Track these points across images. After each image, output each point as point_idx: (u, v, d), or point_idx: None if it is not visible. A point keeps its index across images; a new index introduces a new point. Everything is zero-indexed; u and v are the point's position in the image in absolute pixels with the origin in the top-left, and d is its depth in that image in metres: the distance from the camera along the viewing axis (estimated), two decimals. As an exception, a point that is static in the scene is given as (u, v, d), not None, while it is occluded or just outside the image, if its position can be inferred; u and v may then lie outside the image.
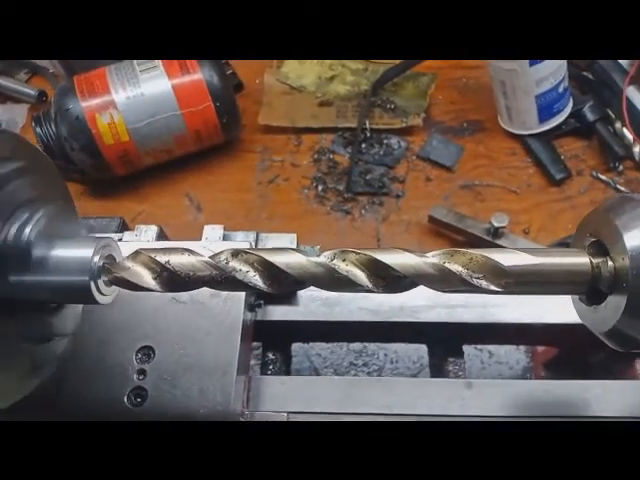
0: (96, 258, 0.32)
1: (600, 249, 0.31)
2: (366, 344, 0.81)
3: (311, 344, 0.77)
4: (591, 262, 0.30)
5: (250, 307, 0.49)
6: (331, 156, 1.03)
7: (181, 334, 0.45)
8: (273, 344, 0.59)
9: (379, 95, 1.08)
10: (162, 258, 0.32)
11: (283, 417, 0.45)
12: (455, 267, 0.31)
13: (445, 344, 0.57)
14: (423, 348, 0.77)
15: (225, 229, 0.53)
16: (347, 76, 1.13)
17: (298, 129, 1.06)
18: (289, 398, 0.48)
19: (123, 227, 0.60)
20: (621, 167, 0.94)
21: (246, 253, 0.32)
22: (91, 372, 0.43)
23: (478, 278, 0.31)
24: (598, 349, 0.58)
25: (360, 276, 0.32)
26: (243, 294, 0.47)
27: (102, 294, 0.32)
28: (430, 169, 0.99)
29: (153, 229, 0.53)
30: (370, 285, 0.31)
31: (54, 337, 0.36)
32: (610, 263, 0.29)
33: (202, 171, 1.03)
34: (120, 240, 0.54)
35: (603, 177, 0.93)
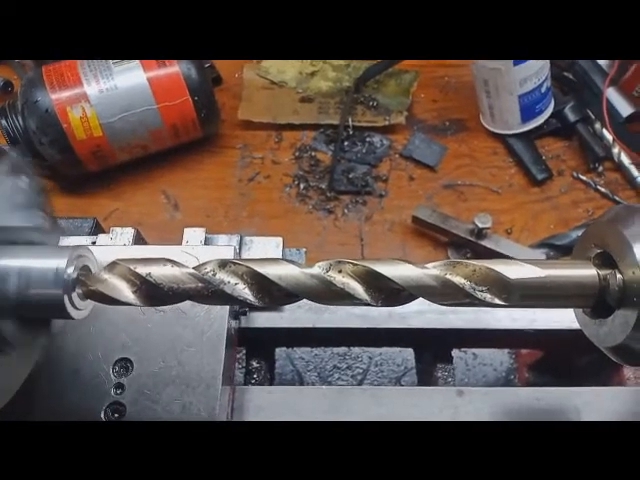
0: (70, 269, 0.29)
1: (607, 261, 0.30)
2: (350, 347, 0.80)
3: (294, 347, 0.75)
4: (598, 274, 0.29)
5: (234, 315, 0.47)
6: (313, 153, 1.01)
7: (161, 345, 0.42)
8: (257, 351, 0.56)
9: (361, 92, 1.06)
10: (142, 270, 0.29)
11: (270, 431, 0.42)
12: (458, 279, 0.29)
13: (434, 349, 0.55)
14: (408, 351, 0.77)
15: (206, 232, 0.51)
16: (329, 72, 1.11)
17: (279, 125, 1.03)
18: (275, 409, 0.46)
19: (96, 229, 0.57)
20: (601, 168, 0.95)
21: (234, 264, 0.30)
22: (65, 387, 0.40)
23: (482, 291, 0.29)
24: (584, 353, 0.58)
25: (357, 289, 0.30)
26: (227, 302, 0.44)
27: (76, 308, 0.30)
28: (413, 168, 0.98)
29: (129, 232, 0.50)
30: (368, 298, 0.30)
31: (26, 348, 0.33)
32: (619, 276, 0.28)
33: (179, 167, 1.00)
34: (93, 243, 0.50)
35: (583, 177, 0.94)
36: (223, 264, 0.30)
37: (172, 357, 0.42)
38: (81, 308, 0.30)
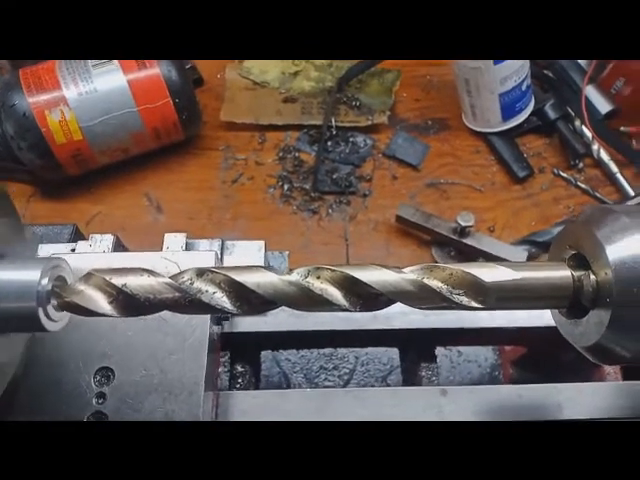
0: (44, 281, 0.29)
1: (581, 262, 0.30)
2: (336, 348, 0.80)
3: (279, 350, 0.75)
4: (572, 275, 0.29)
5: (217, 320, 0.46)
6: (296, 154, 1.01)
7: (142, 353, 0.42)
8: (242, 355, 0.56)
9: (344, 92, 1.06)
10: (118, 280, 0.29)
11: (254, 436, 0.42)
12: (435, 283, 0.30)
13: (418, 348, 0.56)
14: (393, 350, 0.77)
15: (188, 237, 0.50)
16: (311, 72, 1.10)
17: (262, 126, 1.03)
18: (260, 414, 0.46)
19: (76, 235, 0.56)
20: (581, 164, 0.96)
21: (212, 272, 0.30)
22: (45, 397, 0.40)
23: (459, 294, 0.29)
24: (566, 350, 0.59)
25: (336, 295, 0.30)
26: (209, 308, 0.44)
27: (52, 320, 0.29)
28: (396, 167, 0.98)
29: (109, 238, 0.49)
30: (346, 304, 0.30)
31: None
32: (592, 277, 0.29)
33: (162, 170, 0.99)
34: (73, 251, 0.50)
35: (564, 174, 0.95)
36: (201, 272, 0.30)
37: (154, 365, 0.42)
38: (57, 320, 0.30)
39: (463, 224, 0.80)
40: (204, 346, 0.43)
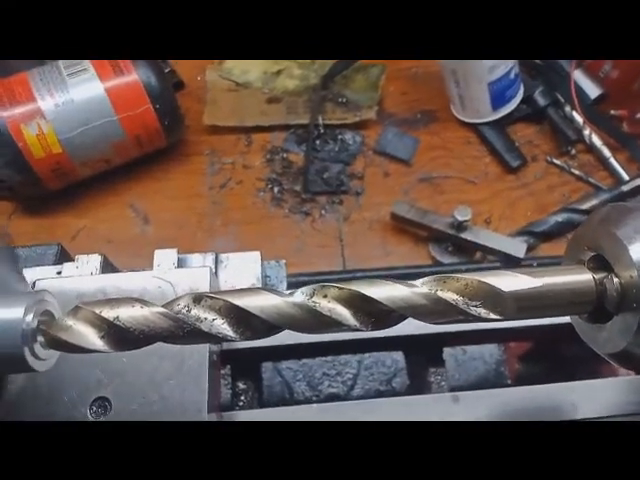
0: (29, 317, 0.26)
1: (601, 264, 0.28)
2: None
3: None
4: (594, 279, 0.28)
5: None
6: (285, 155, 0.98)
7: (139, 379, 0.40)
8: (242, 369, 0.54)
9: (330, 89, 1.04)
10: (109, 314, 0.27)
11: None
12: (449, 295, 0.28)
13: (425, 352, 0.54)
14: (398, 352, 0.75)
15: (179, 252, 0.48)
16: (294, 70, 1.08)
17: (247, 128, 1.00)
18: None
19: (62, 256, 0.53)
20: (574, 151, 0.95)
21: (210, 298, 0.28)
22: (37, 435, 0.37)
23: (476, 306, 0.28)
24: (573, 344, 0.58)
25: (345, 314, 0.28)
26: (206, 327, 0.42)
27: (39, 359, 0.27)
28: (387, 163, 0.96)
29: (96, 259, 0.47)
30: (357, 324, 0.28)
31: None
32: (616, 280, 0.27)
33: (146, 179, 0.96)
34: (59, 274, 0.47)
35: (557, 162, 0.94)
36: (198, 299, 0.28)
37: (152, 391, 0.39)
38: (45, 358, 0.27)
39: (460, 219, 0.78)
40: (204, 368, 0.40)
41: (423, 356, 0.56)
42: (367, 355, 0.75)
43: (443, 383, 0.53)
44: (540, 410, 0.46)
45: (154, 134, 0.90)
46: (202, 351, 0.41)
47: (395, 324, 0.28)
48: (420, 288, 0.28)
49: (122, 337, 0.27)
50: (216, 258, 0.48)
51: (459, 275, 0.28)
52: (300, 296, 0.28)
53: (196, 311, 0.28)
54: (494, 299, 0.27)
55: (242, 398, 0.52)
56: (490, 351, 0.80)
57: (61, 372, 0.40)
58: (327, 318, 0.27)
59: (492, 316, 0.28)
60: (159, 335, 0.27)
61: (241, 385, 0.51)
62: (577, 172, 0.92)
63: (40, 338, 0.27)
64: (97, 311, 0.27)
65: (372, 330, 0.28)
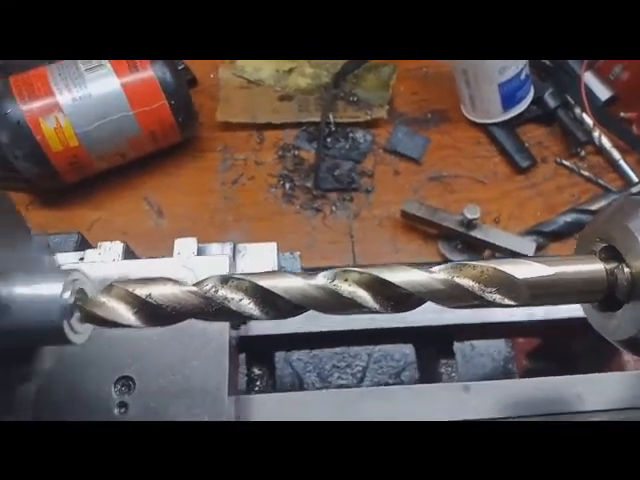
0: (66, 294, 0.28)
1: (612, 255, 0.29)
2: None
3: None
4: (605, 269, 0.29)
5: (234, 325, 0.46)
6: (296, 152, 1.00)
7: (162, 360, 0.41)
8: (257, 357, 0.55)
9: (341, 87, 1.05)
10: (142, 291, 0.28)
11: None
12: (465, 281, 0.29)
13: (436, 344, 0.55)
14: (406, 346, 0.76)
15: (198, 241, 0.49)
16: (306, 68, 1.09)
17: (259, 125, 1.02)
18: (283, 415, 0.45)
19: (82, 243, 0.55)
20: (583, 152, 0.95)
21: (237, 279, 0.29)
22: (66, 409, 0.39)
23: (491, 292, 0.29)
24: (582, 339, 0.59)
25: (365, 297, 0.29)
26: (226, 313, 0.43)
27: (76, 332, 0.29)
28: (398, 162, 0.98)
29: (118, 246, 0.48)
30: (377, 306, 0.29)
31: (31, 378, 0.32)
32: (626, 269, 0.28)
33: (160, 173, 0.98)
34: (81, 260, 0.49)
35: (567, 163, 0.95)
36: (225, 280, 0.29)
37: (175, 371, 0.41)
38: (81, 332, 0.29)
39: (469, 217, 0.79)
40: (225, 351, 0.42)
41: (434, 348, 0.57)
42: (377, 349, 0.76)
43: (454, 374, 0.54)
44: (548, 402, 0.47)
45: (169, 130, 0.91)
46: (223, 334, 0.42)
47: (413, 308, 0.30)
48: (438, 274, 0.29)
49: (154, 313, 0.28)
50: (234, 248, 0.50)
51: (474, 262, 0.29)
52: (322, 279, 0.29)
53: (223, 291, 0.29)
54: (509, 286, 0.29)
55: (257, 383, 0.53)
56: (498, 348, 0.81)
57: (87, 353, 0.41)
58: (348, 300, 0.29)
59: (507, 302, 0.29)
60: (189, 312, 0.28)
61: (257, 371, 0.53)
62: (586, 173, 0.93)
63: (77, 313, 0.29)
64: (130, 289, 0.28)
65: (391, 312, 0.29)
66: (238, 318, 0.29)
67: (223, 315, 0.29)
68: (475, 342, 0.74)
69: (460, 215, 0.82)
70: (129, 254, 0.50)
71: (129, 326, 0.28)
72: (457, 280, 0.29)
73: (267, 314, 0.29)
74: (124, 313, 0.28)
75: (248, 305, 0.29)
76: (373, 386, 0.61)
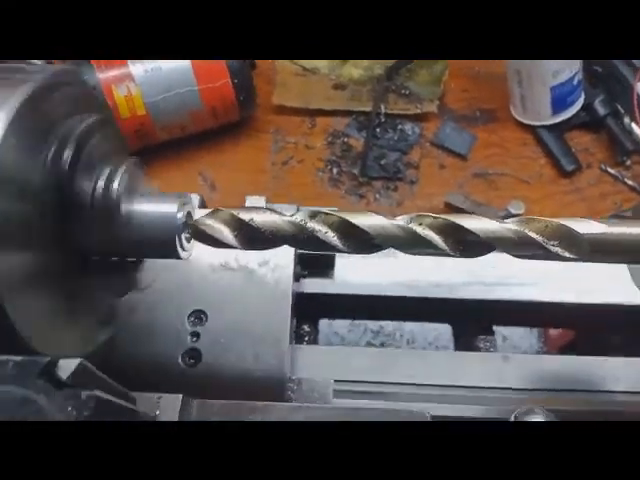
0: (180, 214, 0.32)
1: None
2: (383, 325, 0.82)
3: (330, 322, 0.77)
4: (662, 232, 0.31)
5: (296, 277, 0.50)
6: (345, 139, 1.03)
7: (232, 301, 0.45)
8: (305, 316, 0.59)
9: (393, 80, 1.08)
10: (245, 215, 0.32)
11: (330, 384, 0.45)
12: (532, 233, 0.32)
13: (475, 323, 0.58)
14: (440, 329, 0.79)
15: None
16: (360, 60, 1.13)
17: (312, 111, 1.06)
18: (330, 367, 0.49)
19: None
20: (629, 161, 0.97)
21: (324, 214, 0.33)
22: (143, 335, 0.43)
23: (554, 245, 0.32)
24: (616, 332, 0.61)
25: (438, 240, 0.32)
26: (291, 264, 0.47)
27: (183, 249, 0.33)
28: (444, 156, 1.00)
29: (195, 197, 0.53)
30: (447, 249, 0.32)
31: (130, 291, 0.36)
32: (682, 233, 0.31)
33: (215, 150, 1.03)
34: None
35: (612, 171, 0.96)
36: (314, 214, 0.33)
37: (243, 312, 0.45)
38: (187, 249, 0.33)
39: (514, 212, 0.81)
40: (288, 299, 0.46)
41: (473, 327, 0.59)
42: (409, 329, 0.79)
43: (492, 350, 0.57)
44: (585, 378, 0.50)
45: (229, 107, 0.96)
46: (287, 283, 0.46)
47: (481, 254, 0.33)
48: (509, 225, 0.32)
49: (253, 236, 0.32)
50: (297, 209, 0.54)
51: (541, 217, 0.32)
52: (401, 221, 0.33)
53: (312, 224, 0.33)
54: (570, 240, 0.32)
55: (305, 339, 0.56)
56: (530, 341, 0.83)
57: (162, 286, 0.46)
58: (423, 240, 0.32)
59: (567, 255, 0.32)
60: (284, 238, 0.32)
61: (306, 328, 0.56)
62: (631, 182, 0.94)
63: (185, 233, 0.33)
64: (234, 213, 0.32)
65: (460, 256, 0.33)
66: (324, 248, 0.32)
67: (312, 244, 0.32)
68: (507, 334, 0.77)
69: (504, 210, 0.84)
70: (204, 206, 0.54)
71: (229, 246, 0.32)
72: (525, 231, 0.32)
73: (349, 247, 0.33)
74: (227, 234, 0.32)
75: (333, 238, 0.33)
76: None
